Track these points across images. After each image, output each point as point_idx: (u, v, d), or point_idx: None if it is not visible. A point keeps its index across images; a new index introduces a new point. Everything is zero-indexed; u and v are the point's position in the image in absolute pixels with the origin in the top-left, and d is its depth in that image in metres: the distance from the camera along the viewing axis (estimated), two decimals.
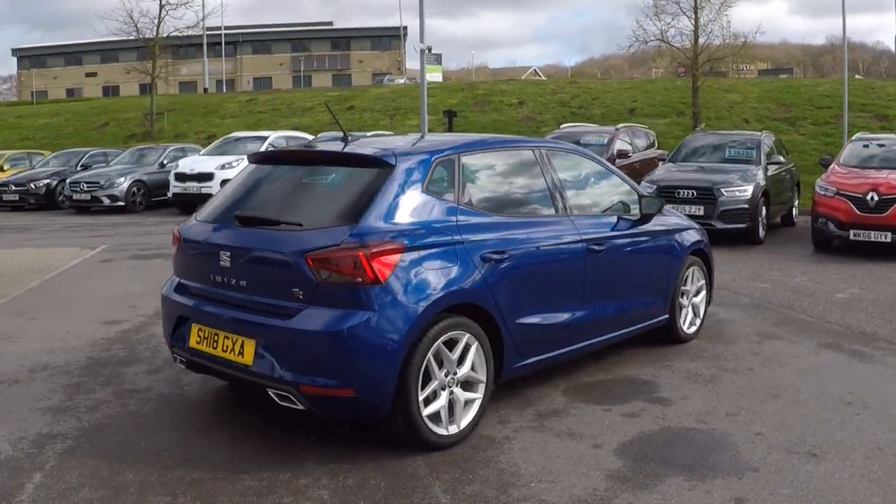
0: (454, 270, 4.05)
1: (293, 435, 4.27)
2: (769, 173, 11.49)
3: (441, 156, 4.36)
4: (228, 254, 4.14)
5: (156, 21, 28.84)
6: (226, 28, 70.30)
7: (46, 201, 18.93)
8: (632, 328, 5.49)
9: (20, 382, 5.26)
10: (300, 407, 3.87)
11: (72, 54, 69.78)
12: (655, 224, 5.64)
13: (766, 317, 6.91)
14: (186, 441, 4.27)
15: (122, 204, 17.69)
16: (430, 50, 22.16)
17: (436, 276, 3.97)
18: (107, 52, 64.78)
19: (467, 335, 4.11)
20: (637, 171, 13.07)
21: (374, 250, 3.78)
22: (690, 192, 10.96)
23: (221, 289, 4.22)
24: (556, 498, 3.53)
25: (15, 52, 72.10)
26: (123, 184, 17.85)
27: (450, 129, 23.88)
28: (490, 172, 4.71)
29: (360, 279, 3.75)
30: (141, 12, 28.65)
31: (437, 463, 3.91)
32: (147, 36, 29.29)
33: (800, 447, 4.03)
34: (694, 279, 6.16)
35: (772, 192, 11.38)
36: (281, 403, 3.96)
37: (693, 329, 6.18)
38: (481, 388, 4.23)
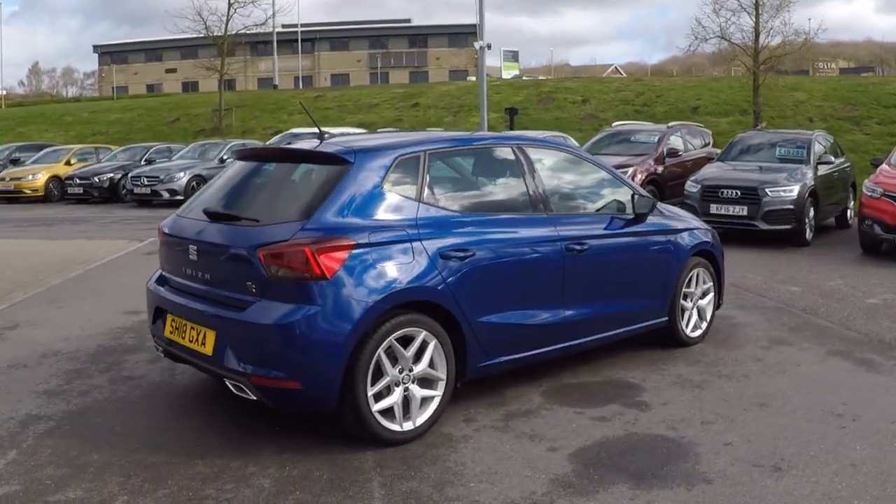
0: (409, 267, 4.06)
1: (260, 425, 4.36)
2: (819, 173, 11.01)
3: (405, 154, 4.37)
4: (195, 248, 4.28)
5: (224, 19, 29.74)
6: (304, 25, 71.85)
7: (110, 195, 19.78)
8: (624, 329, 5.37)
9: (28, 367, 5.54)
10: (253, 397, 3.99)
11: (152, 51, 72.07)
12: (652, 224, 5.50)
13: (783, 321, 6.65)
14: (158, 426, 4.43)
15: (182, 198, 18.24)
16: (489, 47, 22.16)
17: (388, 272, 3.99)
18: (186, 48, 66.94)
19: (424, 332, 4.11)
20: (688, 170, 12.77)
21: (321, 246, 3.84)
22: (734, 191, 10.63)
23: (190, 281, 4.38)
24: (489, 499, 3.49)
25: (97, 48, 75.03)
26: (182, 178, 18.47)
27: (511, 127, 23.85)
28: (460, 170, 4.68)
29: (306, 274, 3.81)
30: (210, 10, 29.61)
31: (386, 458, 3.93)
32: (216, 34, 30.21)
33: (767, 460, 3.86)
34: (699, 281, 5.98)
35: (821, 192, 10.91)
36: (237, 394, 4.09)
37: (698, 332, 6.01)
38: (441, 385, 4.22)
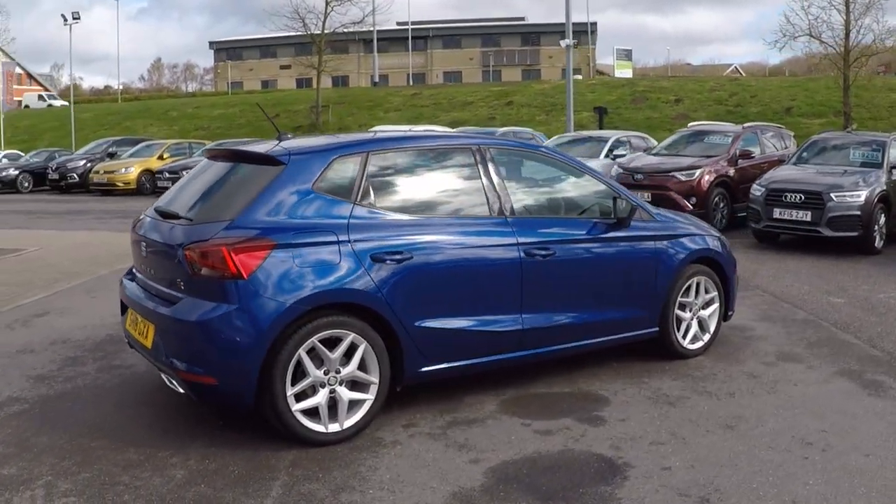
0: (334, 269, 3.99)
1: (209, 418, 4.41)
2: (893, 178, 10.14)
3: (343, 154, 4.30)
4: (145, 244, 4.40)
5: (322, 17, 30.52)
6: (417, 23, 72.79)
7: None
8: (602, 339, 5.09)
9: (34, 352, 5.85)
10: (181, 391, 4.06)
11: (266, 47, 74.71)
12: (639, 229, 5.18)
13: (805, 335, 6.13)
14: (115, 414, 4.56)
15: None
16: (576, 45, 21.79)
17: (309, 273, 3.93)
18: (301, 45, 69.25)
19: (353, 335, 4.03)
20: (762, 173, 12.08)
21: (239, 246, 3.84)
22: (798, 195, 9.94)
23: (144, 276, 4.50)
24: None
25: (212, 44, 78.48)
26: None
27: (600, 126, 23.35)
28: (407, 172, 4.55)
29: (224, 273, 3.82)
30: (307, 8, 30.38)
31: (304, 458, 3.88)
32: (314, 31, 31.08)
33: (698, 490, 3.53)
34: (701, 291, 5.60)
35: (894, 198, 10.03)
36: (170, 386, 4.19)
37: (699, 345, 5.62)
38: (373, 389, 4.13)
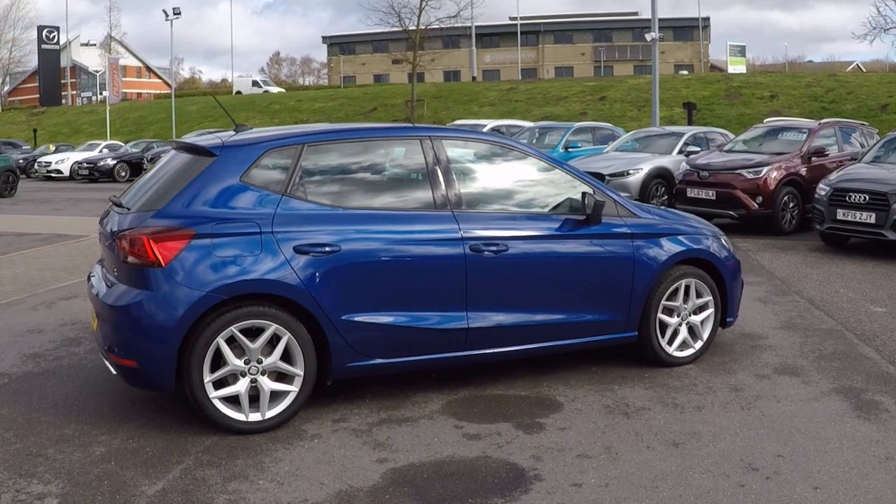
0: (254, 260, 3.90)
1: (160, 401, 4.44)
2: None
3: (276, 146, 4.20)
4: (102, 234, 4.50)
5: (416, 12, 30.63)
6: (528, 18, 72.22)
7: None
8: (564, 343, 4.75)
9: (41, 332, 6.08)
10: (114, 372, 4.09)
11: (379, 42, 75.57)
12: (612, 226, 4.80)
13: (821, 346, 5.52)
14: (79, 392, 4.66)
15: None
16: (661, 38, 20.91)
17: (227, 263, 3.86)
18: (410, 40, 70.10)
19: (274, 325, 3.93)
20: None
21: (158, 235, 3.83)
22: (862, 196, 9.06)
23: (99, 264, 4.63)
24: (258, 499, 3.29)
25: (325, 39, 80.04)
26: None
27: (689, 122, 22.34)
28: (345, 164, 4.38)
29: (145, 261, 3.82)
30: (402, 3, 30.51)
31: (218, 445, 3.84)
32: (409, 27, 31.29)
33: None
34: (691, 294, 5.16)
35: None
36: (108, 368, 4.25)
37: (689, 352, 5.17)
38: (298, 381, 4.02)
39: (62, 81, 59.48)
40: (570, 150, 15.39)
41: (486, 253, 4.39)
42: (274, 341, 3.98)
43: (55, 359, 5.38)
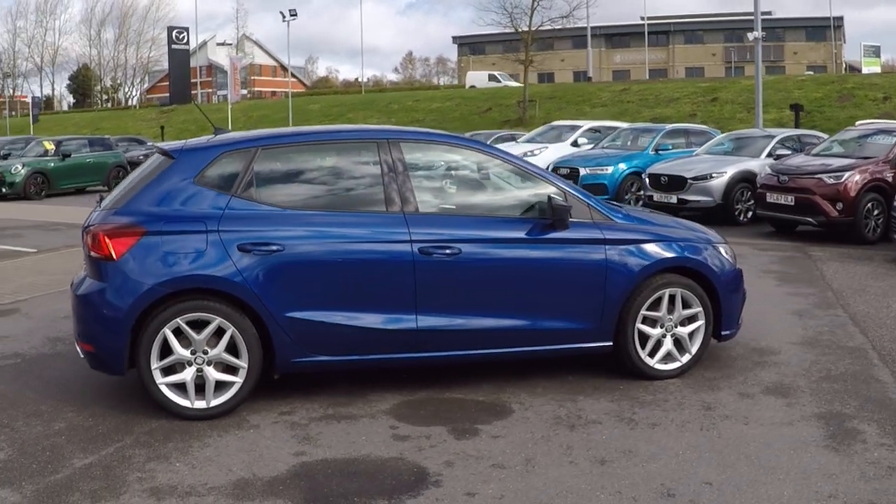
0: (199, 256, 4.03)
1: (136, 386, 4.52)
2: None
3: (231, 150, 4.31)
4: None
5: (528, 12, 30.25)
6: (657, 18, 69.95)
7: None
8: (527, 349, 4.59)
9: (68, 319, 6.46)
10: (81, 356, 4.32)
11: (508, 42, 75.30)
12: (585, 231, 4.56)
13: (831, 366, 4.97)
14: (76, 374, 4.90)
15: None
16: (763, 38, 19.61)
17: (174, 259, 4.02)
18: (542, 40, 69.17)
19: (218, 319, 4.04)
20: None
21: (113, 231, 4.05)
22: None
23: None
24: (164, 482, 3.44)
25: (455, 39, 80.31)
26: None
27: (796, 125, 20.85)
28: (298, 167, 4.45)
29: (100, 254, 4.05)
30: (514, 3, 30.15)
31: (162, 428, 4.03)
32: (521, 27, 30.97)
33: None
34: (677, 305, 4.79)
35: None
36: None
37: (674, 365, 4.82)
38: (243, 373, 4.11)
39: (196, 80, 62.12)
40: (660, 152, 14.72)
41: (436, 255, 4.29)
42: (220, 334, 4.07)
43: (70, 343, 5.60)
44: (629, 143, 15.91)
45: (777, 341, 5.66)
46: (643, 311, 4.73)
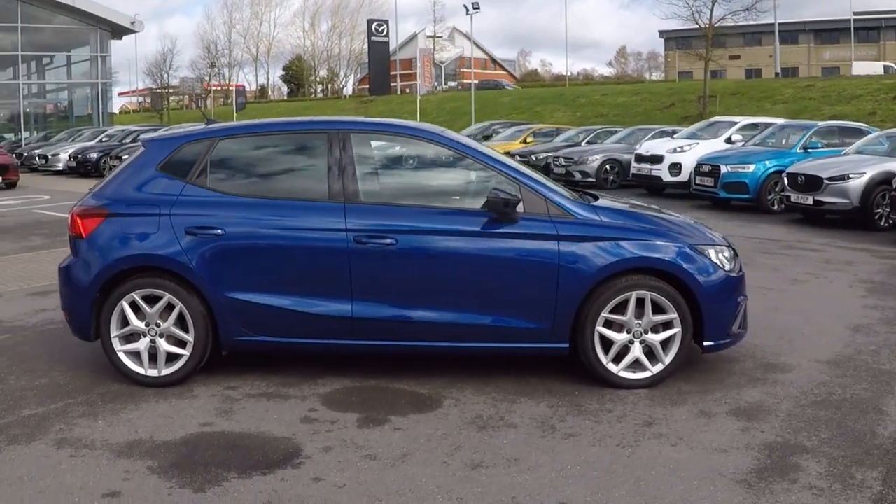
0: (151, 237, 4.29)
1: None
2: None
3: (192, 140, 4.53)
4: None
5: (709, 5, 27.99)
6: (865, 13, 62.42)
7: (545, 172, 20.85)
8: (469, 345, 4.37)
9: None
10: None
11: (716, 37, 70.44)
12: (536, 226, 4.24)
13: (838, 391, 4.19)
14: (51, 350, 5.07)
15: (593, 180, 18.23)
16: None
17: (129, 239, 4.32)
18: (750, 35, 64.05)
19: (168, 295, 4.28)
20: None
21: (83, 212, 4.43)
22: None
23: None
24: (78, 434, 3.69)
25: (662, 33, 76.33)
26: (595, 161, 18.59)
27: None
28: (252, 156, 4.55)
29: (74, 233, 4.45)
30: None
31: (113, 392, 4.31)
32: (703, 24, 28.78)
33: (315, 501, 3.05)
34: (646, 309, 4.29)
35: None
36: None
37: (644, 375, 4.34)
38: (190, 346, 4.33)
39: (396, 72, 62.87)
40: (809, 150, 13.15)
41: (371, 245, 4.21)
42: (171, 309, 4.30)
43: (45, 323, 5.80)
44: (780, 140, 14.37)
45: (801, 357, 4.89)
46: (605, 314, 4.31)
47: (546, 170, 20.57)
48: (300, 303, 4.29)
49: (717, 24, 28.99)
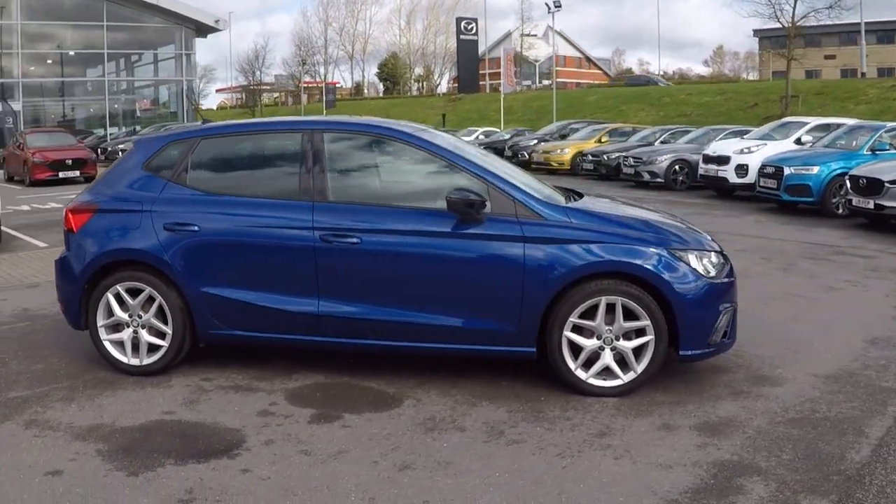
0: (133, 233, 4.43)
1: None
2: None
3: (176, 140, 4.64)
4: None
5: (792, 3, 26.45)
6: None
7: (615, 172, 20.06)
8: (433, 345, 4.27)
9: None
10: None
11: (811, 36, 66.51)
12: (501, 227, 4.11)
13: (818, 408, 3.86)
14: (54, 338, 5.23)
15: (661, 181, 17.51)
16: None
17: (113, 234, 4.47)
18: (846, 34, 60.42)
19: (148, 288, 4.40)
20: None
21: (74, 208, 4.63)
22: None
23: None
24: (50, 416, 3.85)
25: (756, 32, 72.81)
26: (664, 162, 17.82)
27: None
28: (230, 156, 4.64)
29: (67, 227, 4.65)
30: None
31: (98, 378, 4.46)
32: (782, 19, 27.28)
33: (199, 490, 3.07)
34: (617, 315, 4.08)
35: None
36: None
37: (614, 383, 4.14)
38: (169, 338, 4.44)
39: (485, 71, 62.06)
40: (876, 152, 12.24)
41: (336, 244, 4.20)
42: (152, 302, 4.42)
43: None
44: (850, 142, 13.45)
45: (800, 370, 4.56)
46: (574, 319, 4.13)
47: (617, 170, 20.09)
48: (269, 299, 4.33)
49: (799, 23, 27.32)
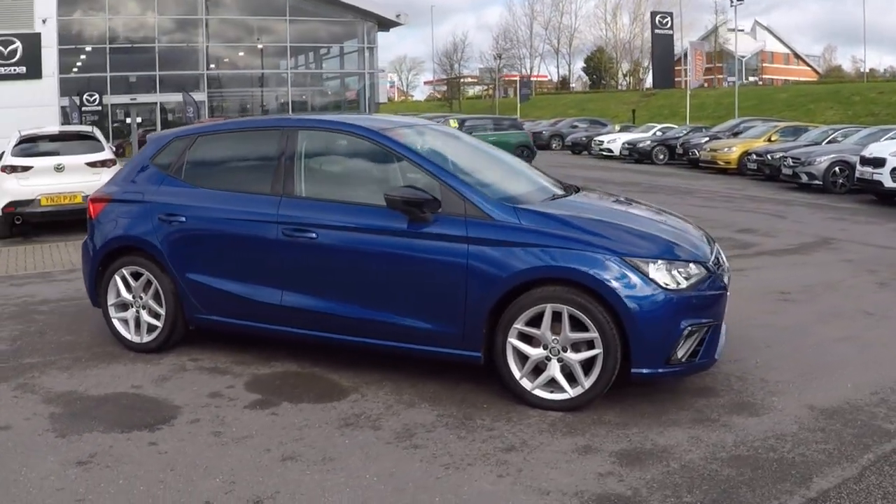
0: (134, 221, 4.83)
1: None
2: None
3: (181, 136, 4.97)
4: None
5: None
6: None
7: (778, 173, 18.30)
8: (383, 343, 4.21)
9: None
10: None
11: None
12: (448, 227, 3.96)
13: (801, 452, 3.30)
14: (66, 326, 5.53)
15: (820, 183, 15.85)
16: None
17: (121, 221, 4.89)
18: None
19: (146, 272, 4.77)
20: None
21: (94, 197, 5.14)
22: None
23: None
24: (41, 382, 4.29)
25: None
26: (822, 163, 16.02)
27: None
28: (222, 152, 4.87)
29: (88, 215, 5.16)
30: None
31: (104, 352, 4.88)
32: None
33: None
34: (564, 325, 3.78)
35: None
36: None
37: (561, 396, 3.85)
38: (161, 318, 4.79)
39: (683, 67, 58.36)
40: None
41: (296, 238, 4.32)
42: (151, 285, 4.79)
43: (54, 300, 6.38)
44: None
45: (797, 400, 4.00)
46: (519, 326, 3.90)
47: (779, 171, 18.38)
48: (241, 287, 4.53)
49: None
